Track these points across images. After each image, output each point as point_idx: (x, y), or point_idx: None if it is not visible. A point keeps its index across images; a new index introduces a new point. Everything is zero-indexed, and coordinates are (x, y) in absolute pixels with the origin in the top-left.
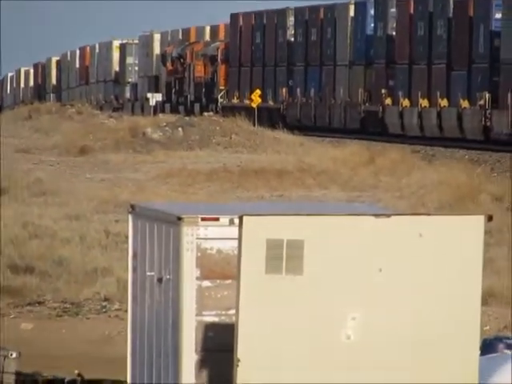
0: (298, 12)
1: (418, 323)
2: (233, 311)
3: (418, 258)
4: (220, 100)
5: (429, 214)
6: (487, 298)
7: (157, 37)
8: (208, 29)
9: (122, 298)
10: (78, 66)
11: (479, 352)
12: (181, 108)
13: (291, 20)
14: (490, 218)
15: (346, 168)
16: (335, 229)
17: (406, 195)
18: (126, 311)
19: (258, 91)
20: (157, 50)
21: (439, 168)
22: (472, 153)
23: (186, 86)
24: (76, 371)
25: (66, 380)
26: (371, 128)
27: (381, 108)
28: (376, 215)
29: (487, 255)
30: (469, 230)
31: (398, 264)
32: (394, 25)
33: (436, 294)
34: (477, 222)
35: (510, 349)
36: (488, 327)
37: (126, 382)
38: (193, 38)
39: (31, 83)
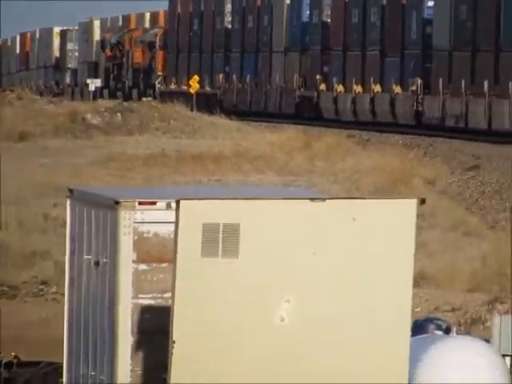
0: None
1: (351, 305)
2: (169, 294)
3: (351, 242)
4: (158, 86)
5: (362, 198)
6: (419, 280)
7: (96, 23)
8: (148, 15)
9: (60, 281)
10: (18, 51)
11: (410, 333)
12: (119, 94)
13: (228, 7)
14: (422, 202)
15: (282, 153)
16: (271, 213)
17: (340, 180)
18: (63, 294)
19: (196, 77)
20: (97, 36)
21: (373, 153)
22: (405, 137)
23: (124, 72)
24: (13, 353)
25: (2, 361)
26: (306, 113)
27: (316, 93)
28: (311, 199)
29: (420, 238)
30: (401, 213)
31: (332, 247)
32: (329, 12)
33: (369, 277)
34: (409, 206)
35: (440, 330)
36: (419, 309)
37: (62, 363)
38: (133, 25)
39: None
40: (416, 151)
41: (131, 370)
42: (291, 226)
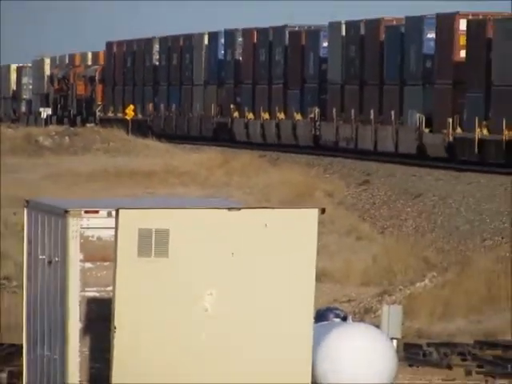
0: (163, 40)
1: (263, 298)
2: (110, 288)
3: (263, 245)
4: (98, 113)
5: (272, 208)
6: (321, 276)
7: (47, 61)
8: (90, 54)
9: (19, 277)
10: None
11: (313, 320)
12: (65, 120)
13: (156, 47)
14: (322, 211)
15: (204, 170)
16: (195, 220)
17: (254, 192)
18: (22, 288)
19: (132, 106)
20: (47, 71)
21: (281, 170)
22: (307, 157)
23: (69, 102)
24: None
25: None
26: (222, 136)
27: (230, 120)
28: (228, 208)
29: (320, 242)
30: (305, 220)
31: (247, 249)
32: (241, 51)
33: (278, 274)
34: (312, 214)
35: (338, 317)
36: (321, 300)
37: (21, 344)
38: (77, 62)
39: None
40: (317, 169)
41: (79, 351)
42: (212, 231)
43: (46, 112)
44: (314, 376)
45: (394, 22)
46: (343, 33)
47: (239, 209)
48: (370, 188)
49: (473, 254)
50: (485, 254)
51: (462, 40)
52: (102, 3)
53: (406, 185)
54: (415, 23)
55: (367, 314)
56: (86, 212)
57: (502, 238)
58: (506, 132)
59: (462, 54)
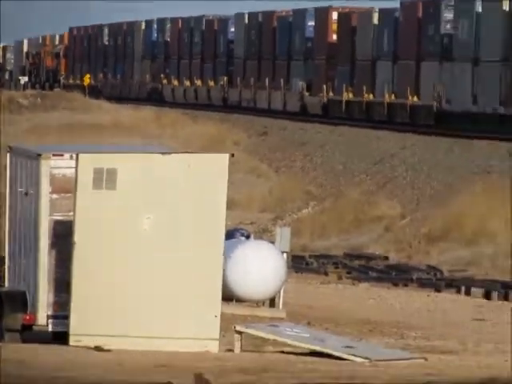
0: (111, 26)
1: (187, 221)
2: (71, 213)
3: (187, 181)
4: (62, 81)
5: (194, 153)
6: (230, 205)
7: (25, 41)
8: (57, 36)
9: (2, 205)
10: None
11: (224, 238)
12: (37, 86)
13: (106, 31)
14: (232, 155)
15: (142, 123)
16: (137, 161)
17: (180, 141)
18: (5, 213)
19: (88, 75)
20: (25, 49)
21: (200, 124)
22: (219, 114)
23: (41, 72)
24: None
25: None
26: (154, 98)
27: (160, 86)
28: (162, 153)
29: (230, 179)
30: (219, 162)
31: (175, 184)
32: (169, 34)
33: (199, 203)
34: (224, 158)
35: (243, 236)
36: (230, 223)
37: (4, 256)
38: (47, 42)
39: None
40: (226, 124)
41: (48, 261)
42: (150, 170)
43: (23, 79)
44: (225, 281)
45: (284, 13)
46: (246, 21)
47: (170, 153)
48: (267, 138)
49: (344, 187)
50: (353, 188)
51: (334, 27)
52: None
53: (294, 136)
54: (300, 14)
55: (264, 233)
56: (54, 155)
57: (367, 176)
58: (365, 95)
59: (334, 37)
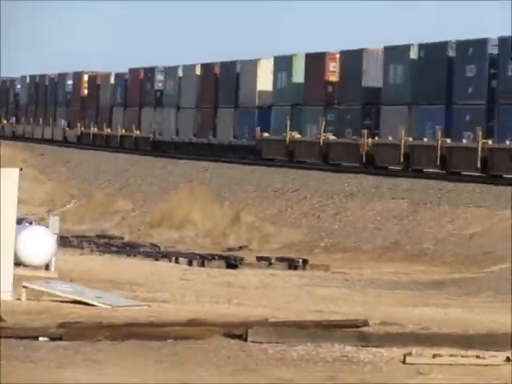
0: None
1: None
2: None
3: None
4: None
5: None
6: (19, 202)
7: None
8: None
9: None
10: None
11: (15, 224)
12: None
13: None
14: (21, 169)
15: None
16: None
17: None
18: None
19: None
20: None
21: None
22: (12, 142)
23: None
24: None
25: None
26: None
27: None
28: None
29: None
30: (10, 176)
31: None
32: (86, 87)
33: None
34: (15, 172)
35: (28, 223)
36: (19, 214)
37: None
38: None
39: None
40: (16, 148)
41: None
42: None
43: None
44: (16, 251)
45: (53, 76)
46: (28, 81)
47: None
48: (44, 157)
49: (95, 190)
50: (101, 191)
51: (85, 85)
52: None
53: (62, 156)
54: (62, 76)
55: (42, 221)
56: None
57: (109, 183)
58: (105, 129)
59: (86, 92)
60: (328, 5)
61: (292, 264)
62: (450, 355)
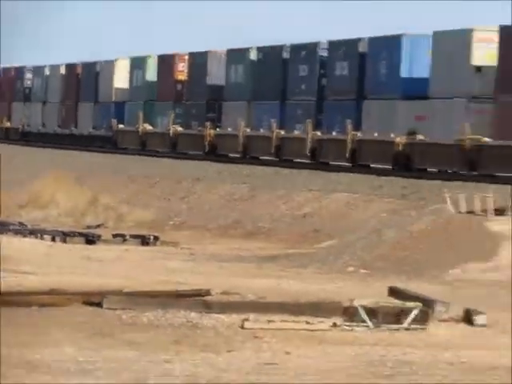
0: None
1: None
2: None
3: None
4: None
5: None
6: None
7: None
8: None
9: None
10: None
11: None
12: None
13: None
14: None
15: None
16: None
17: None
18: None
19: None
20: None
21: None
22: None
23: None
24: None
25: None
26: None
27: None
28: None
29: None
30: None
31: None
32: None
33: None
34: None
35: None
36: None
37: None
38: None
39: None
40: None
41: None
42: None
43: None
44: None
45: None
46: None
47: None
48: None
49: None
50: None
51: None
52: None
53: None
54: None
55: None
56: None
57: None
58: (5, 123)
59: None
60: (183, 7)
61: (144, 240)
62: (282, 321)
